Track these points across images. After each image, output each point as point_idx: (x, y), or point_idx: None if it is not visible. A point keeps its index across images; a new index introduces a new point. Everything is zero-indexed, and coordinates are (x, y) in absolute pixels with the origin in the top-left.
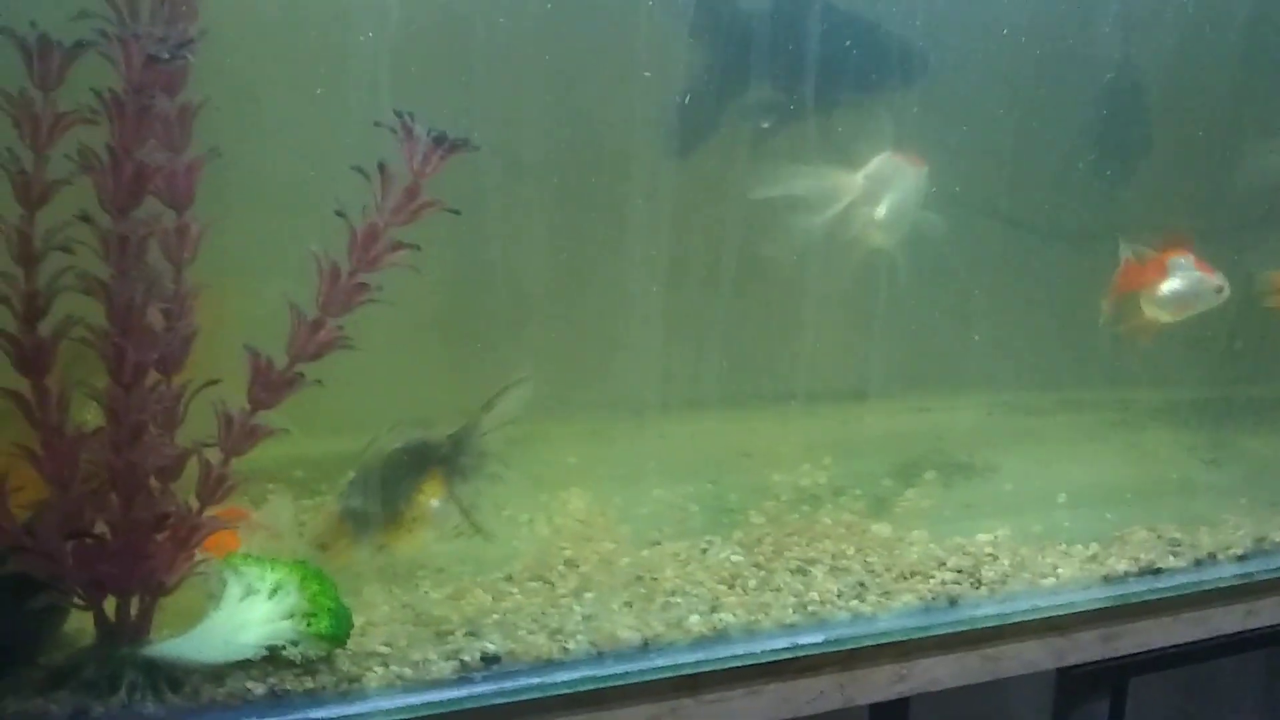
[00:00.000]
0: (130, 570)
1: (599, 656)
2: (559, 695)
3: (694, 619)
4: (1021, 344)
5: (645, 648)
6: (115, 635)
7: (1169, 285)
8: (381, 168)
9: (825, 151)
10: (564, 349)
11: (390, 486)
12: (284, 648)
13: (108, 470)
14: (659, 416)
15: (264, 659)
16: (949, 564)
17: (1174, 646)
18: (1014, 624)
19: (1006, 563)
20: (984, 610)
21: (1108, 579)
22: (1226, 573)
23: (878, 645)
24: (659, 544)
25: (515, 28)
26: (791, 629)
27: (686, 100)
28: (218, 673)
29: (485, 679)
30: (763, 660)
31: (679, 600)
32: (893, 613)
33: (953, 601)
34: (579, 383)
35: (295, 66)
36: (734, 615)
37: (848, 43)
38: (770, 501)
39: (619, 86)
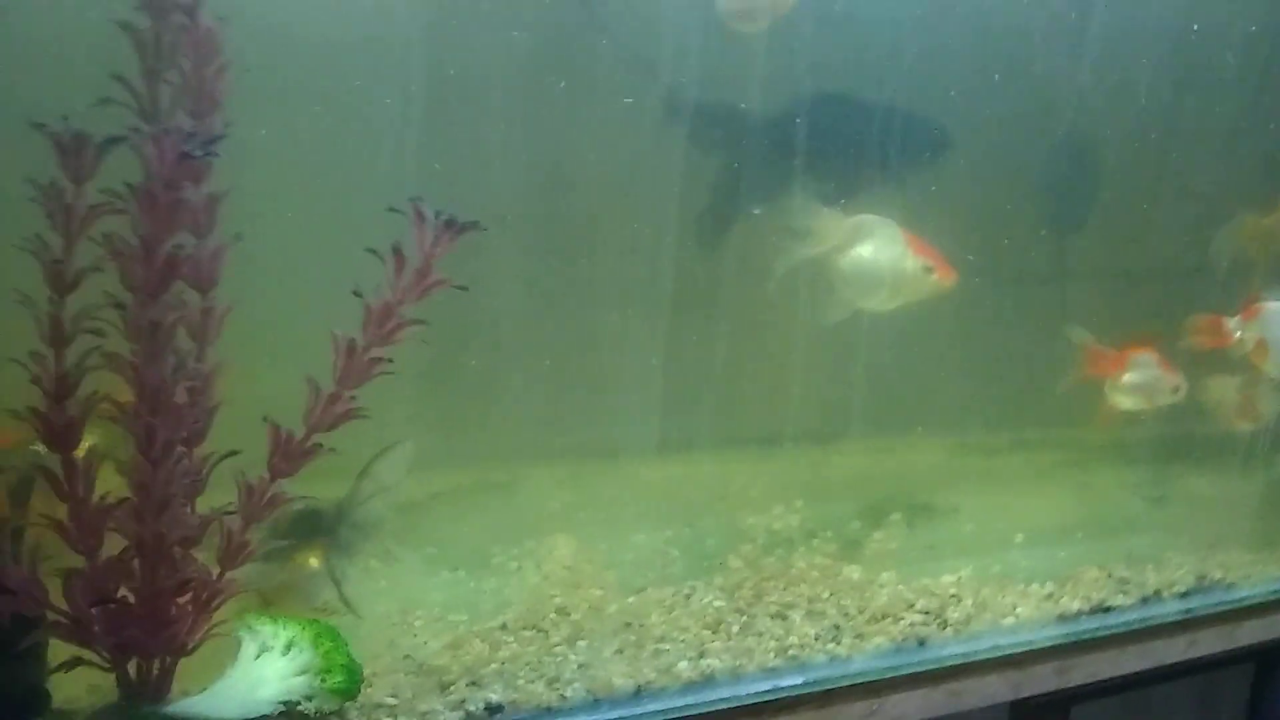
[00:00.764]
0: (154, 633)
1: (595, 703)
2: None
3: (683, 664)
4: (976, 385)
5: (638, 694)
6: (137, 694)
7: (1129, 378)
8: (396, 250)
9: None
10: (544, 393)
11: (279, 551)
12: (299, 703)
13: (134, 539)
14: (635, 460)
15: (280, 714)
16: (917, 605)
17: (1119, 676)
18: (977, 661)
19: (970, 603)
20: (950, 650)
21: (1062, 617)
22: (1170, 609)
23: (852, 685)
24: (644, 590)
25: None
26: (773, 672)
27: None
28: None
29: None
30: (746, 702)
31: (668, 647)
32: (866, 654)
33: (921, 642)
34: (559, 427)
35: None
36: (720, 660)
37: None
38: (747, 545)
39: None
